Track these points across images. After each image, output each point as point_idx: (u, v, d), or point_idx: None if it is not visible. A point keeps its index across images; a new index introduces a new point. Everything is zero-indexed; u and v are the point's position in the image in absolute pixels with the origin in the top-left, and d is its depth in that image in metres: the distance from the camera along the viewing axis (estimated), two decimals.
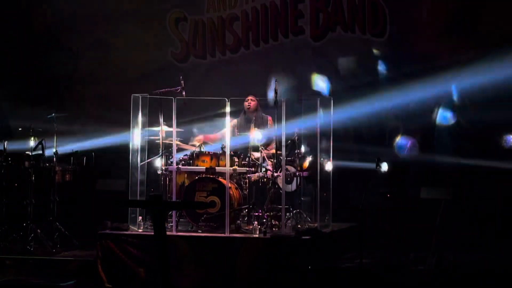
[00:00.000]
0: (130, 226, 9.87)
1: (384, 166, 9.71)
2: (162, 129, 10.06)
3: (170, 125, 9.93)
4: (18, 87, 12.69)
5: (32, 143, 10.60)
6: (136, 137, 10.02)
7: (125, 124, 10.22)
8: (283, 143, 9.68)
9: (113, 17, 12.53)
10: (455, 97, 11.42)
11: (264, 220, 9.87)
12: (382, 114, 11.55)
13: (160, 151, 10.08)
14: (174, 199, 9.77)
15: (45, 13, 12.62)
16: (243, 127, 10.72)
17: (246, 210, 10.05)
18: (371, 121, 11.56)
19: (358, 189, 10.68)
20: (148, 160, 10.14)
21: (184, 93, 10.15)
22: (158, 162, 10.12)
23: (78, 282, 9.43)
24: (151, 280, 9.36)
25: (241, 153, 10.20)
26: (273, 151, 10.07)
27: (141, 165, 10.01)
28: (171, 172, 9.99)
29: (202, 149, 10.27)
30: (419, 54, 11.51)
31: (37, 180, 10.65)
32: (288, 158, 10.09)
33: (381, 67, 11.79)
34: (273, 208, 9.95)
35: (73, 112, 11.84)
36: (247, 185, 10.15)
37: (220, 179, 9.95)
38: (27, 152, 10.67)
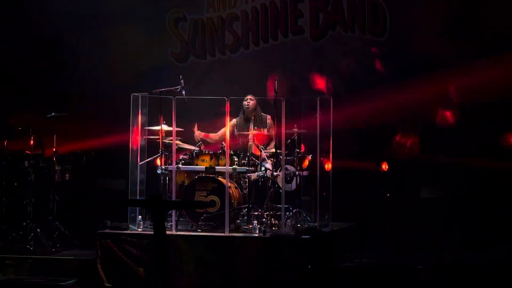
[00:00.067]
0: (130, 225, 9.86)
1: (384, 166, 9.72)
2: (161, 129, 10.05)
3: (170, 125, 9.94)
4: (18, 87, 12.68)
5: (32, 142, 10.60)
6: (135, 136, 10.02)
7: (124, 124, 10.21)
8: (283, 143, 9.68)
9: (113, 17, 12.52)
10: (455, 97, 11.41)
11: (264, 220, 9.87)
12: (382, 114, 11.53)
13: (160, 150, 10.08)
14: (173, 198, 9.76)
15: (45, 13, 12.60)
16: (242, 127, 10.72)
17: (246, 210, 10.05)
18: (371, 121, 11.55)
19: (358, 189, 10.67)
20: (148, 159, 10.14)
21: (184, 92, 10.15)
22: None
23: (78, 281, 9.42)
24: (150, 279, 9.36)
25: (240, 152, 10.21)
26: (273, 150, 10.07)
27: (140, 165, 10.01)
28: (171, 171, 9.99)
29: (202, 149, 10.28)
30: (419, 54, 11.50)
31: (36, 180, 10.65)
32: (287, 158, 10.09)
33: (381, 67, 11.78)
34: (273, 208, 9.95)
35: (73, 112, 11.83)
36: (247, 184, 10.16)
37: (220, 178, 9.95)
38: (26, 152, 10.66)
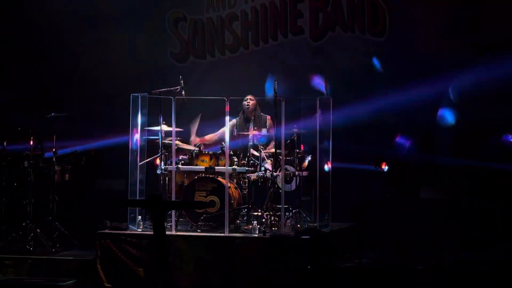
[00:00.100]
0: (130, 225, 9.86)
1: (384, 166, 9.71)
2: (161, 129, 10.05)
3: (170, 125, 9.93)
4: (18, 87, 12.68)
5: (31, 142, 10.60)
6: (135, 136, 10.02)
7: (124, 124, 10.21)
8: (283, 143, 9.68)
9: (113, 17, 12.52)
10: (454, 97, 11.41)
11: (264, 220, 9.87)
12: (382, 114, 11.53)
13: (160, 150, 10.07)
14: (173, 198, 9.76)
15: (45, 13, 12.60)
16: (242, 127, 10.71)
17: (246, 210, 10.05)
18: (371, 121, 11.55)
19: (358, 189, 10.66)
20: (148, 159, 10.13)
21: (183, 92, 10.15)
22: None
23: (77, 281, 9.42)
24: (150, 279, 9.36)
25: (240, 152, 10.21)
26: (273, 150, 10.07)
27: (140, 165, 10.01)
28: (170, 171, 9.98)
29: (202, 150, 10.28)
30: (419, 54, 11.50)
31: (36, 180, 10.64)
32: (287, 158, 10.08)
33: (380, 67, 11.78)
34: (273, 208, 9.95)
35: (73, 112, 11.82)
36: (247, 184, 10.16)
37: (220, 178, 9.95)
38: (26, 152, 10.65)
